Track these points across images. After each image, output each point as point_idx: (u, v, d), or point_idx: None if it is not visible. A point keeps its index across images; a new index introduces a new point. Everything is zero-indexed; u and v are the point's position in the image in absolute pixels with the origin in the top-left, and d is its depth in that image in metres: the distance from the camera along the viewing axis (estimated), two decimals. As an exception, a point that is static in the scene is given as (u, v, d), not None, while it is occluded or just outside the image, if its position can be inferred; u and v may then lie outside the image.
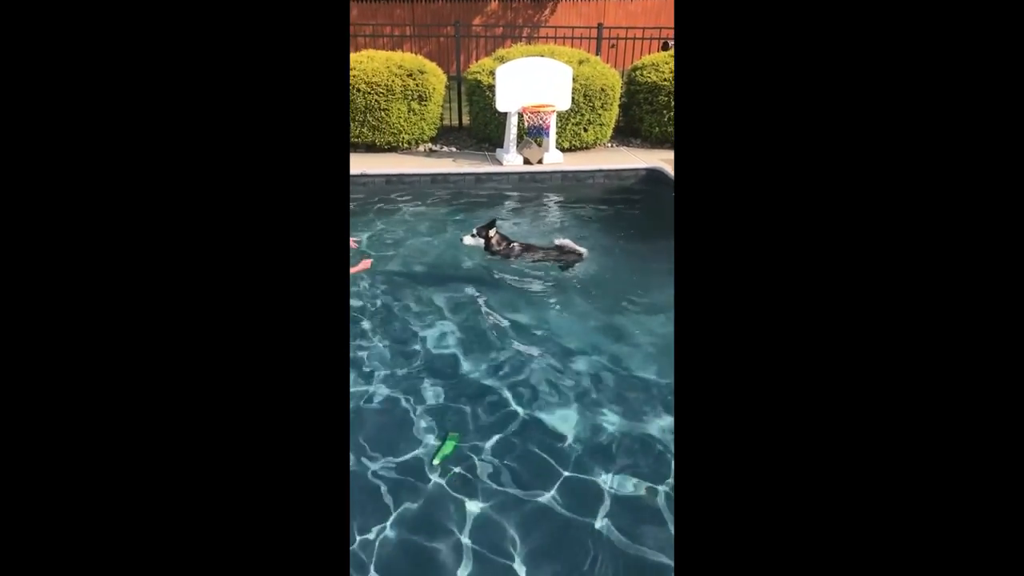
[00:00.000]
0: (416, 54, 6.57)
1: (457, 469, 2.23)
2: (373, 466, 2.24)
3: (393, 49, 7.70)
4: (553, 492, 2.13)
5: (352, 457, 2.27)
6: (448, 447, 2.30)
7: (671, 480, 2.18)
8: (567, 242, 3.97)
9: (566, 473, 2.22)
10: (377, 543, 1.93)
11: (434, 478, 2.18)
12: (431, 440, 2.37)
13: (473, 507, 2.06)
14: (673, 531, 1.98)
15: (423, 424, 2.48)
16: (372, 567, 1.85)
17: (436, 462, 2.24)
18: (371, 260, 3.75)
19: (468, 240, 3.99)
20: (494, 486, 2.16)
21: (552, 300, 3.57)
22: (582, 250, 3.92)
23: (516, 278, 3.81)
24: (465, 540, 1.94)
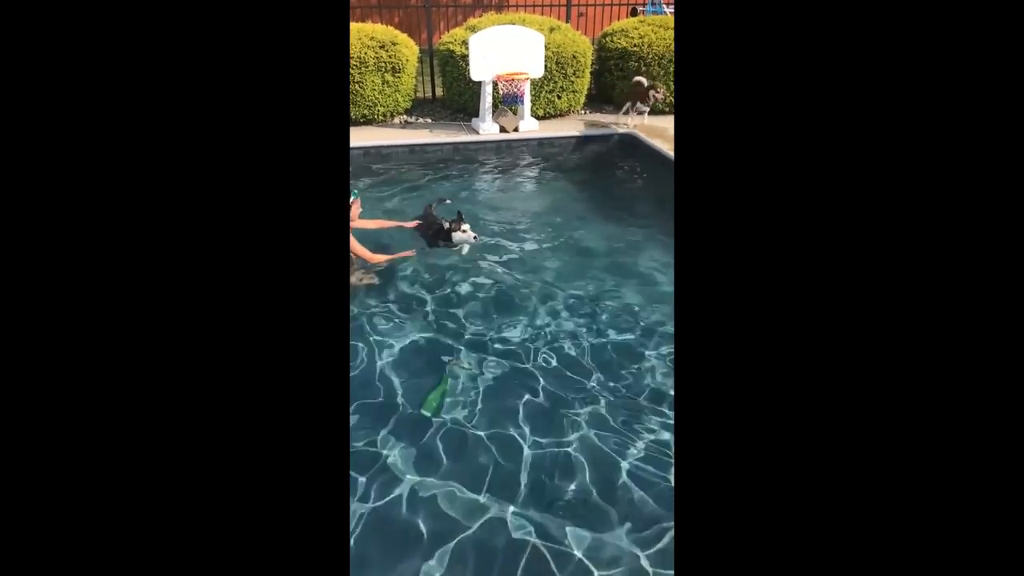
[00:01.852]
0: (386, 25, 6.52)
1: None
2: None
3: (361, 20, 7.60)
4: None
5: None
6: (436, 396, 2.43)
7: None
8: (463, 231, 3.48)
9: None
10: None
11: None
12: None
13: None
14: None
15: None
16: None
17: (427, 412, 2.37)
18: (413, 251, 3.62)
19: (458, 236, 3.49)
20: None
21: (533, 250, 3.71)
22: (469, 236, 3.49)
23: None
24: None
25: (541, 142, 6.01)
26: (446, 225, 3.50)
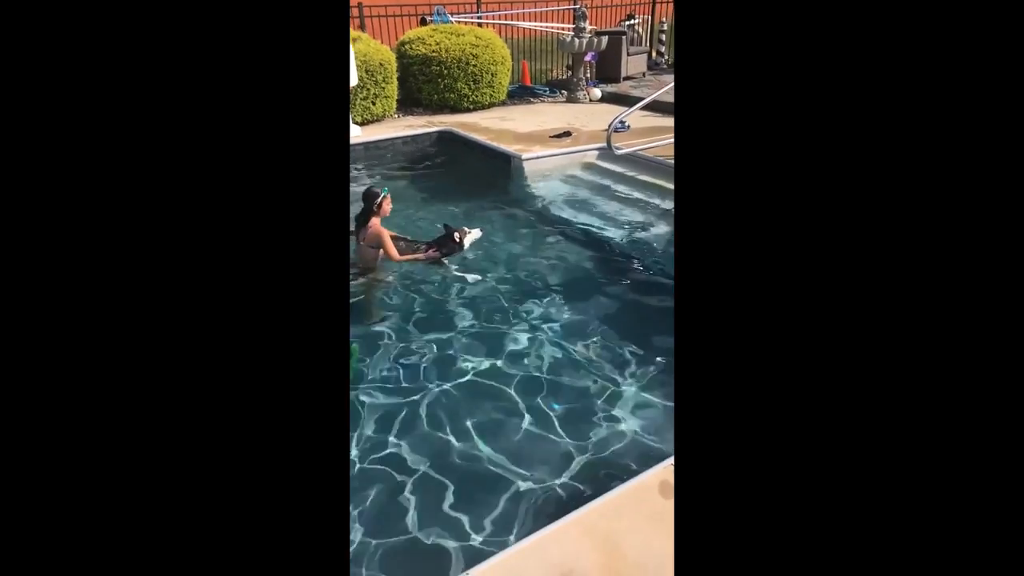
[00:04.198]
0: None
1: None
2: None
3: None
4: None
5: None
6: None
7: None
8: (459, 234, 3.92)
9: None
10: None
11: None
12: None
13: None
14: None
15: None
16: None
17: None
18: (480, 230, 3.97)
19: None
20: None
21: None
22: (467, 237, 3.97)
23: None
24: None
25: (367, 146, 6.45)
26: (457, 237, 3.86)
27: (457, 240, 3.87)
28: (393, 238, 3.68)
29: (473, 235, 3.98)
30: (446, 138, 6.75)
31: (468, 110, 7.58)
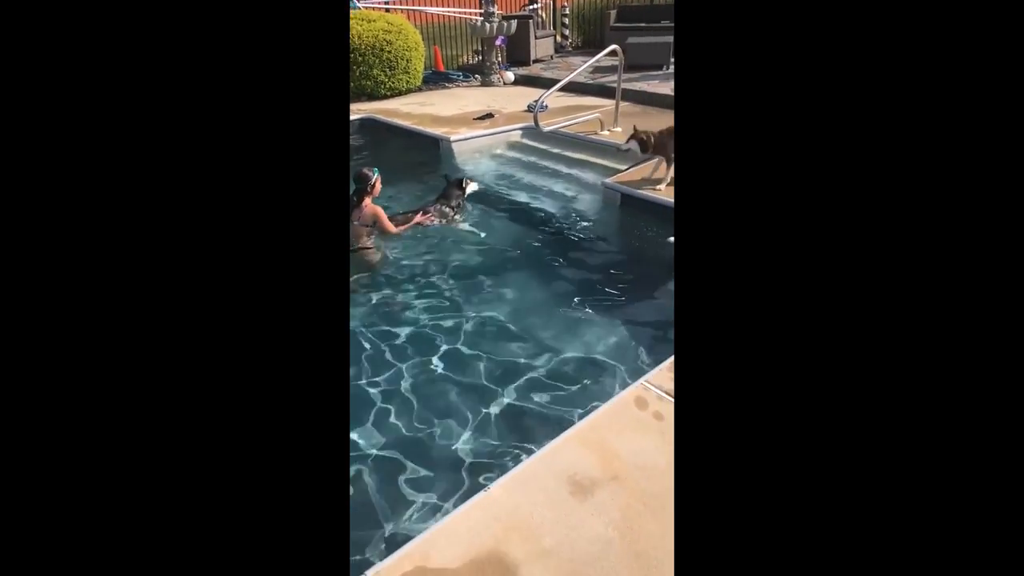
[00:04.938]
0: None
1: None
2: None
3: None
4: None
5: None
6: None
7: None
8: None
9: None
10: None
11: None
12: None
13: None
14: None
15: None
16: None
17: None
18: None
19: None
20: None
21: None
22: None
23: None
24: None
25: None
26: (464, 184, 4.29)
27: (464, 187, 4.25)
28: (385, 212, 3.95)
29: (472, 186, 4.33)
30: (368, 125, 6.76)
31: (386, 96, 7.61)
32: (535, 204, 4.86)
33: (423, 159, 5.85)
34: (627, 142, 4.40)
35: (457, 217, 4.25)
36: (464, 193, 4.26)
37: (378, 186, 3.83)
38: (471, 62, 9.51)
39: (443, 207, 4.22)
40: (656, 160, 4.57)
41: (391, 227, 3.88)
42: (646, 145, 4.30)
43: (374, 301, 3.43)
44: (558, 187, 5.18)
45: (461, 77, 8.72)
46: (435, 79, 8.60)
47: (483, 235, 4.21)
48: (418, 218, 4.06)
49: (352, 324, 3.12)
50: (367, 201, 3.78)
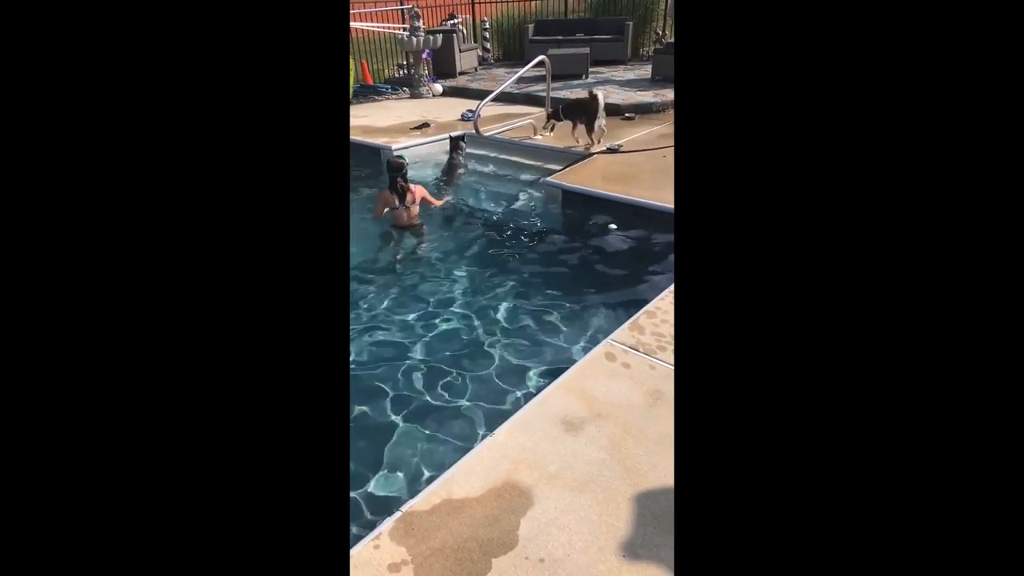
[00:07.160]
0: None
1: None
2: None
3: None
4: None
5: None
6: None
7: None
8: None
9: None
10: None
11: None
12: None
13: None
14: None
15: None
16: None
17: None
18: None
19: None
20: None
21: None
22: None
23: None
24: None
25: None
26: (463, 139, 5.57)
27: (464, 141, 5.55)
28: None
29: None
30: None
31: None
32: (483, 205, 5.17)
33: (366, 169, 6.00)
34: (547, 123, 6.03)
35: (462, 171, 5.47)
36: (464, 147, 5.52)
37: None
38: (396, 75, 9.70)
39: (459, 156, 5.50)
40: (578, 129, 5.76)
41: (436, 201, 4.48)
42: (557, 114, 5.91)
43: (413, 279, 3.85)
44: (502, 188, 5.51)
45: (390, 90, 8.90)
46: (365, 92, 8.74)
47: (441, 232, 4.50)
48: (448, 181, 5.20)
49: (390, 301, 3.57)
50: (414, 186, 4.25)
